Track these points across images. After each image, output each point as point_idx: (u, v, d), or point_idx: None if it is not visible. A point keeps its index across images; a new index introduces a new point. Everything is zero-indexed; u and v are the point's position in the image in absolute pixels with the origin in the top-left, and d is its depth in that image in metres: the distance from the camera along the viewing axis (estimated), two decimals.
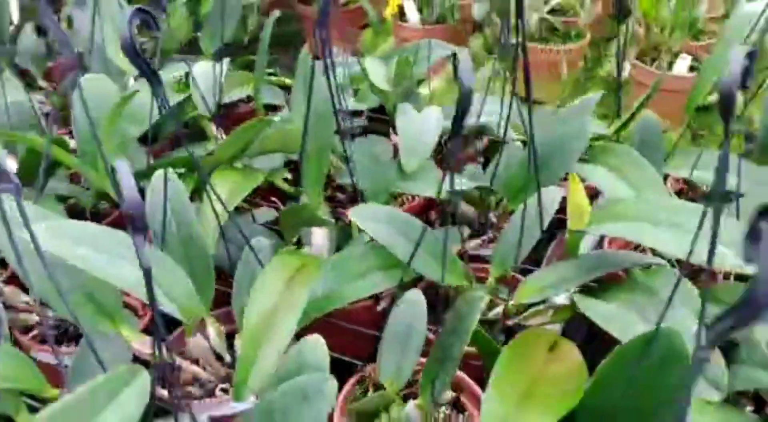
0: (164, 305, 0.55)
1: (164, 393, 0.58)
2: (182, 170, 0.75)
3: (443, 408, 0.64)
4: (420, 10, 1.28)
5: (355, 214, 0.64)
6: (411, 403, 0.58)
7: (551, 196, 0.69)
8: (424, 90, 1.20)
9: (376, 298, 0.74)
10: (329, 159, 0.74)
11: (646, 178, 0.70)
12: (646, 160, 0.72)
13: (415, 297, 0.62)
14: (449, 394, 0.64)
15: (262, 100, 0.94)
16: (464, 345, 0.52)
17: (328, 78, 0.67)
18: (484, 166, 0.89)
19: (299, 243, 0.74)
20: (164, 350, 0.45)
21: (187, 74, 0.95)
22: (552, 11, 1.25)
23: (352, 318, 0.72)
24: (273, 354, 0.50)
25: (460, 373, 0.65)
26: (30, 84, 1.01)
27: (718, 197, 0.33)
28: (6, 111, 0.78)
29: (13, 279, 0.74)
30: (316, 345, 0.45)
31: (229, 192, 0.68)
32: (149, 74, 0.50)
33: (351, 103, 0.96)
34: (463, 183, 0.77)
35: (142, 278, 0.38)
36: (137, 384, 0.38)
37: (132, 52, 0.46)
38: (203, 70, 0.93)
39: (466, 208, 0.86)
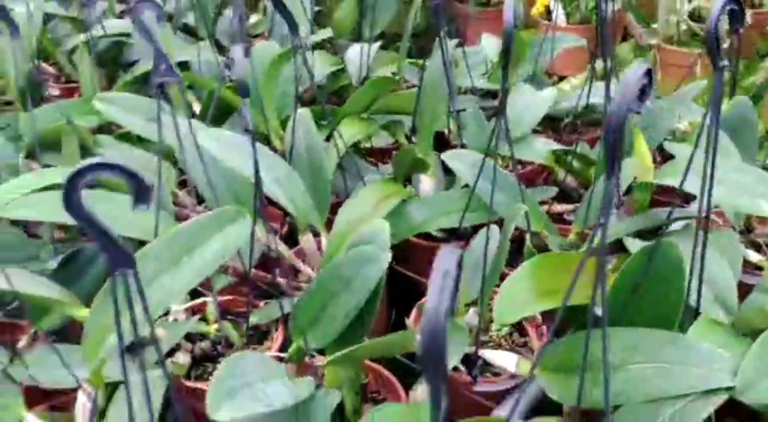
0: (285, 204, 0.71)
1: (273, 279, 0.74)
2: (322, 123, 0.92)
3: (506, 328, 0.73)
4: (566, 12, 1.36)
5: (447, 156, 0.76)
6: (471, 310, 0.69)
7: (630, 166, 0.77)
8: (565, 85, 1.29)
9: (467, 242, 0.85)
10: (441, 118, 0.87)
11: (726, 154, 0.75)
12: (732, 144, 0.77)
13: (493, 232, 0.73)
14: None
15: (401, 78, 1.09)
16: (502, 261, 0.62)
17: (442, 54, 0.80)
18: None
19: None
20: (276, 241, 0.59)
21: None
22: (699, 18, 1.28)
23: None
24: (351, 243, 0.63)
25: None
26: (221, 48, 1.24)
27: None
28: (199, 66, 1.00)
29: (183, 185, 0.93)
30: (382, 227, 0.58)
31: (351, 134, 0.83)
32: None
33: (482, 83, 1.08)
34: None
35: (272, 179, 0.52)
36: (241, 222, 0.53)
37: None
38: (356, 50, 1.09)
39: (569, 180, 0.94)
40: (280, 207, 0.79)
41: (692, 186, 0.63)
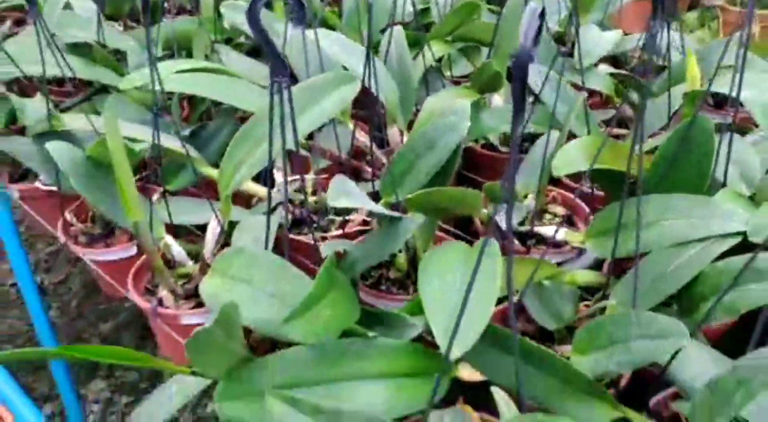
0: (380, 97, 0.84)
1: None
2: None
3: (557, 218, 0.85)
4: None
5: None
6: (530, 195, 0.81)
7: (682, 89, 0.87)
8: None
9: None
10: (513, 46, 0.98)
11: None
12: None
13: (550, 138, 0.84)
14: (564, 211, 0.85)
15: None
16: None
17: None
18: None
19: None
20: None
21: None
22: None
23: (502, 163, 0.96)
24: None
25: (573, 197, 0.85)
26: None
27: None
28: None
29: None
30: (463, 105, 0.70)
31: (437, 50, 0.95)
32: None
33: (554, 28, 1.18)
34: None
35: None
36: (352, 84, 0.66)
37: None
38: None
39: (627, 109, 1.04)
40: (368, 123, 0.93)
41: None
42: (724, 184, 0.66)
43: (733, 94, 0.65)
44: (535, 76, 0.87)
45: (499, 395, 0.53)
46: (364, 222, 0.84)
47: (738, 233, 0.58)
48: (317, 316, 0.48)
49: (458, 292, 0.54)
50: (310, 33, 0.86)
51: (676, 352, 0.51)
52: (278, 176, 0.86)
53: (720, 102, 1.05)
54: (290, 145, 0.62)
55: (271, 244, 0.63)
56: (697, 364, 0.51)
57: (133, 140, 0.76)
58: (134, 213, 0.63)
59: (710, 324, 0.55)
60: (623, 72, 0.99)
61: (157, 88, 0.79)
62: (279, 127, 0.57)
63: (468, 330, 0.50)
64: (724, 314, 0.54)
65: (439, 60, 0.98)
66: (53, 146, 0.68)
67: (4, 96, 0.85)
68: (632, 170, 0.70)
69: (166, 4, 1.36)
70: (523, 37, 0.34)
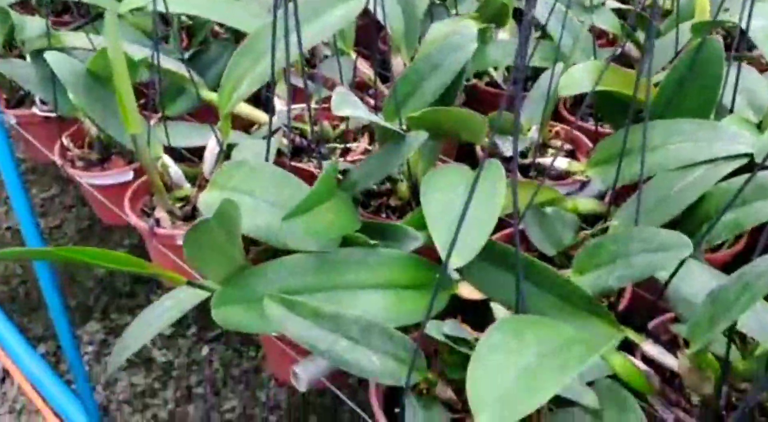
0: (385, 22, 0.82)
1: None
2: None
3: (562, 153, 0.84)
4: None
5: None
6: (534, 127, 0.80)
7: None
8: None
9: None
10: None
11: None
12: None
13: (555, 70, 0.83)
14: (568, 145, 0.84)
15: None
16: None
17: None
18: None
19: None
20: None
21: None
22: None
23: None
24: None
25: (577, 133, 0.85)
26: None
27: None
28: None
29: None
30: (469, 26, 0.68)
31: None
32: None
33: None
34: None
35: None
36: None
37: None
38: None
39: (632, 49, 1.03)
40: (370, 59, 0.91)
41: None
42: (731, 112, 0.65)
43: (743, 25, 0.64)
44: (541, 7, 0.85)
45: (497, 308, 0.53)
46: (366, 152, 0.83)
47: (744, 155, 0.57)
48: (318, 217, 0.48)
49: (460, 207, 0.53)
50: None
51: (678, 269, 0.51)
52: (279, 104, 0.85)
53: (730, 45, 1.03)
54: (294, 58, 0.61)
55: (271, 161, 0.62)
56: (699, 281, 0.51)
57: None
58: (133, 126, 0.62)
59: (714, 242, 0.55)
60: (630, 8, 0.97)
61: (159, 8, 0.78)
62: (282, 40, 0.56)
63: (469, 242, 0.49)
64: (729, 231, 0.53)
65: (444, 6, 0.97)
66: (52, 57, 0.66)
67: (4, 11, 0.83)
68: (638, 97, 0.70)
69: None
70: None
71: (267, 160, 0.59)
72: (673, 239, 0.49)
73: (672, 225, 0.60)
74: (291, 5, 0.52)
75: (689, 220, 0.59)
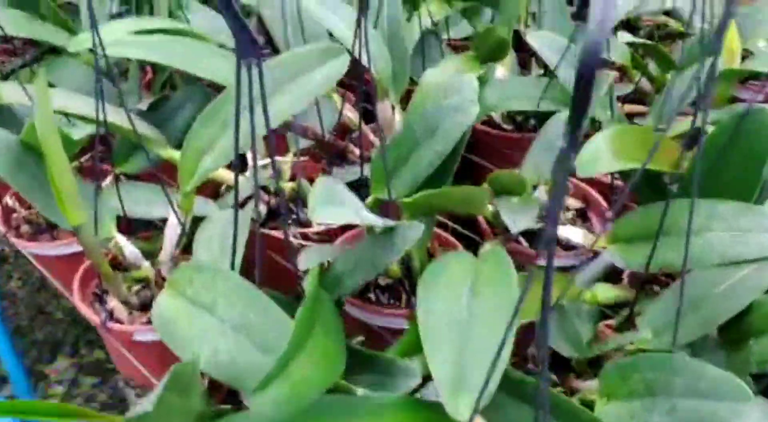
0: (368, 65, 0.72)
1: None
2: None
3: (570, 212, 0.75)
4: None
5: (532, 37, 0.76)
6: (541, 187, 0.70)
7: (719, 62, 0.76)
8: None
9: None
10: (520, 8, 0.87)
11: None
12: None
13: (564, 116, 0.73)
14: (577, 203, 0.75)
15: None
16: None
17: None
18: None
19: None
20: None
21: None
22: None
23: (508, 143, 0.85)
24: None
25: (589, 189, 0.75)
26: None
27: None
28: None
29: None
30: (471, 81, 0.59)
31: (434, 10, 0.83)
32: None
33: None
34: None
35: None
36: (341, 58, 0.54)
37: None
38: None
39: (644, 83, 0.94)
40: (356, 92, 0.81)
41: None
42: None
43: None
44: (544, 46, 0.75)
45: None
46: None
47: None
48: (293, 376, 0.38)
49: (466, 327, 0.44)
50: None
51: None
52: (251, 158, 0.75)
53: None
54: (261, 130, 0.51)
55: (240, 254, 0.53)
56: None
57: (81, 118, 0.64)
58: (73, 217, 0.52)
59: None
60: (646, 41, 0.87)
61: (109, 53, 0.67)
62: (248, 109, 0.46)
63: (478, 381, 0.40)
64: None
65: (436, 34, 0.86)
66: None
67: None
68: (666, 166, 0.60)
69: None
70: (595, 20, 0.23)
71: (233, 261, 0.49)
72: (728, 385, 0.40)
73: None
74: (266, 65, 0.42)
75: (731, 329, 0.50)
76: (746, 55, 0.79)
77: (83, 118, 0.64)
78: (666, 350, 0.49)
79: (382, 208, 0.62)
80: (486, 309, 0.45)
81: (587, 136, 0.64)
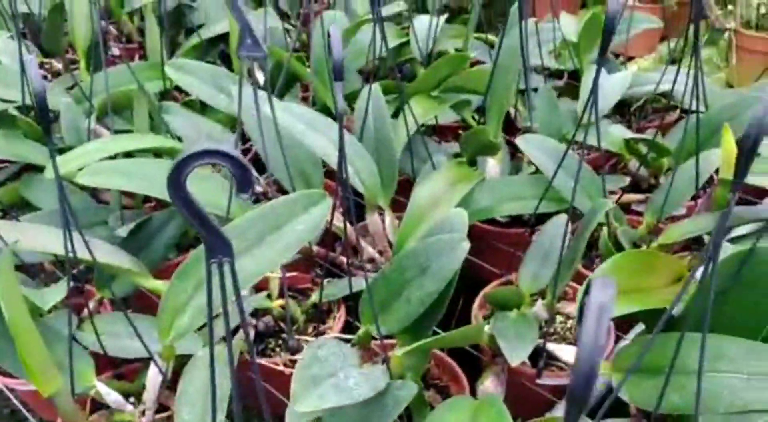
0: (355, 182, 0.70)
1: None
2: (390, 97, 0.90)
3: (571, 321, 0.72)
4: None
5: (522, 141, 0.74)
6: (539, 302, 0.68)
7: (711, 157, 0.74)
8: (632, 66, 1.25)
9: (532, 230, 0.84)
10: (510, 98, 0.85)
11: None
12: None
13: (560, 221, 0.71)
14: (574, 308, 0.72)
15: (468, 52, 1.06)
16: (580, 252, 0.61)
17: (521, 36, 0.77)
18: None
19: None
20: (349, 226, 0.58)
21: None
22: None
23: (505, 239, 0.82)
24: (427, 228, 0.62)
25: None
26: (284, 19, 1.22)
27: None
28: (264, 34, 0.98)
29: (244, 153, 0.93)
30: (461, 215, 0.56)
31: (422, 112, 0.81)
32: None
33: (550, 62, 1.05)
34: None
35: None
36: (323, 204, 0.52)
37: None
38: (423, 23, 1.06)
39: (641, 169, 0.92)
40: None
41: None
42: None
43: None
44: (534, 149, 0.73)
45: None
46: (344, 328, 0.71)
47: None
48: None
49: None
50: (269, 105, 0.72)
51: None
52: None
53: None
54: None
55: (225, 407, 0.50)
56: None
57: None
58: (47, 387, 0.49)
59: None
60: (643, 137, 0.85)
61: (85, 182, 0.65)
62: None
63: None
64: None
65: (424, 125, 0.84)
66: None
67: None
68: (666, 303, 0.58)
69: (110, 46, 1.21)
70: (584, 348, 0.21)
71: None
72: None
73: None
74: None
75: None
76: None
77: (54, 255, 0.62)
78: None
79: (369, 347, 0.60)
80: None
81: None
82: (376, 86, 0.78)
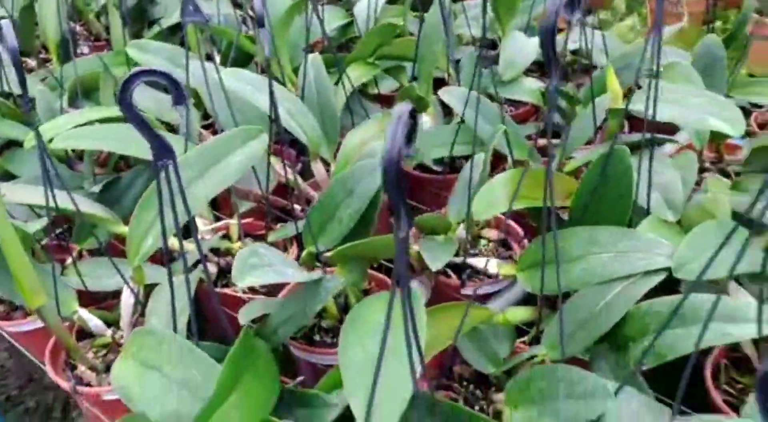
0: (298, 133, 0.80)
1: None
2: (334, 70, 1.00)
3: (492, 244, 0.83)
4: None
5: (443, 92, 0.85)
6: (461, 226, 0.78)
7: (605, 100, 0.85)
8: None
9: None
10: (440, 64, 0.96)
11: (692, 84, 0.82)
12: (700, 78, 0.84)
13: (479, 160, 0.81)
14: (498, 234, 0.83)
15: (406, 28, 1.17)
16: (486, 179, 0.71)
17: (441, 10, 0.88)
18: None
19: None
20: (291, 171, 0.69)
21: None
22: None
23: (436, 184, 0.93)
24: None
25: (510, 222, 0.83)
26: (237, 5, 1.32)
27: None
28: (218, 18, 1.09)
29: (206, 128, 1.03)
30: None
31: (358, 75, 0.92)
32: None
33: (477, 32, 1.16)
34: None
35: (285, 111, 0.62)
36: (261, 139, 0.63)
37: None
38: (364, 3, 1.17)
39: (556, 117, 1.03)
40: (296, 146, 0.89)
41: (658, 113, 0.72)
42: (647, 211, 0.64)
43: (649, 115, 0.64)
44: (454, 99, 0.84)
45: None
46: (296, 260, 0.81)
47: (663, 268, 0.57)
48: (225, 420, 0.45)
49: (379, 361, 0.51)
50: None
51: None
52: (200, 223, 0.83)
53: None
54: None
55: (185, 318, 0.60)
56: (629, 417, 0.50)
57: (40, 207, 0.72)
58: (35, 300, 0.59)
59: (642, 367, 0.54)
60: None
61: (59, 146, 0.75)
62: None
63: (389, 407, 0.47)
64: (653, 359, 0.52)
65: (363, 90, 0.95)
66: None
67: None
68: (560, 201, 0.69)
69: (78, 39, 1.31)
70: (389, 144, 0.31)
71: (175, 323, 0.56)
72: (596, 387, 0.48)
73: (601, 339, 0.59)
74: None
75: (616, 337, 0.58)
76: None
77: (41, 207, 0.71)
78: (561, 360, 0.56)
79: (318, 260, 0.70)
80: (398, 343, 0.53)
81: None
82: (316, 55, 0.89)
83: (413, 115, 0.33)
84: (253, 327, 0.60)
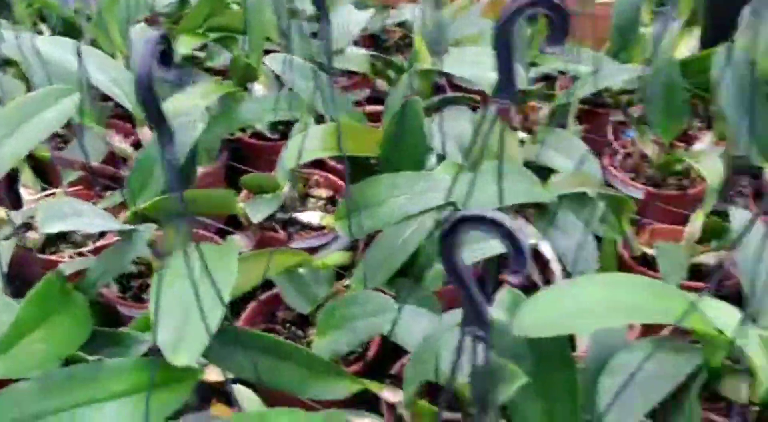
0: (122, 100, 0.82)
1: None
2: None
3: (321, 202, 0.88)
4: None
5: (268, 58, 0.88)
6: (288, 184, 0.83)
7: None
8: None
9: None
10: (267, 32, 0.99)
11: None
12: None
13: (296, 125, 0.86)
14: (327, 191, 0.88)
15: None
16: None
17: None
18: None
19: None
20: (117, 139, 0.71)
21: None
22: None
23: (269, 150, 0.97)
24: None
25: (337, 180, 0.89)
26: None
27: None
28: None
29: None
30: (198, 104, 0.70)
31: (186, 44, 0.94)
32: None
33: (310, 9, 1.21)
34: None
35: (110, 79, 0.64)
36: (72, 96, 0.64)
37: None
38: None
39: (383, 85, 1.09)
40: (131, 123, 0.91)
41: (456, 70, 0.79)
42: (443, 156, 0.71)
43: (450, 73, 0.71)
44: (279, 64, 0.88)
45: (238, 391, 0.55)
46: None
47: (450, 203, 0.63)
48: (27, 351, 0.47)
49: (189, 301, 0.55)
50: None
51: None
52: (25, 193, 0.82)
53: None
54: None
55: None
56: (415, 327, 0.56)
57: None
58: None
59: (432, 290, 0.61)
60: (374, 53, 1.03)
61: None
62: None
63: (196, 340, 0.51)
64: (440, 281, 0.59)
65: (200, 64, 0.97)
66: None
67: None
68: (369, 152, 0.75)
69: None
70: (139, 62, 0.35)
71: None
72: (383, 304, 0.54)
73: (405, 272, 0.66)
74: None
75: (414, 267, 0.64)
76: None
77: None
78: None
79: (144, 218, 0.72)
80: (208, 285, 0.56)
81: None
82: (142, 25, 0.90)
83: (167, 42, 0.37)
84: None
